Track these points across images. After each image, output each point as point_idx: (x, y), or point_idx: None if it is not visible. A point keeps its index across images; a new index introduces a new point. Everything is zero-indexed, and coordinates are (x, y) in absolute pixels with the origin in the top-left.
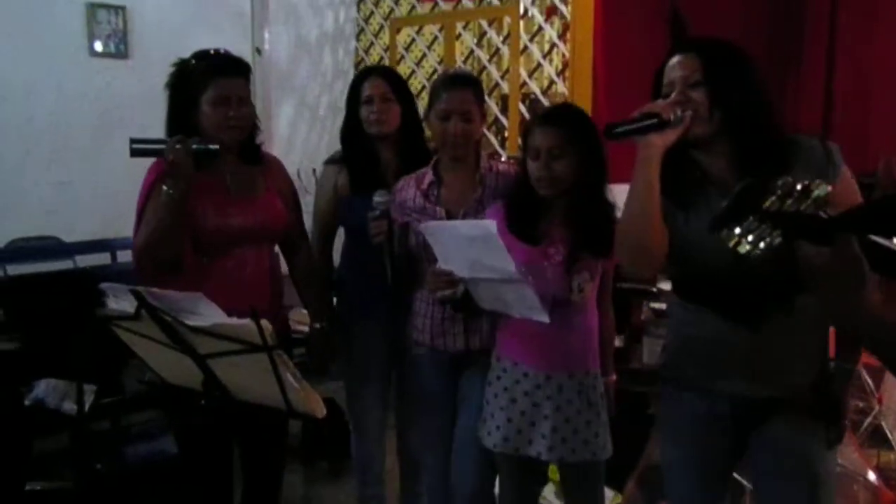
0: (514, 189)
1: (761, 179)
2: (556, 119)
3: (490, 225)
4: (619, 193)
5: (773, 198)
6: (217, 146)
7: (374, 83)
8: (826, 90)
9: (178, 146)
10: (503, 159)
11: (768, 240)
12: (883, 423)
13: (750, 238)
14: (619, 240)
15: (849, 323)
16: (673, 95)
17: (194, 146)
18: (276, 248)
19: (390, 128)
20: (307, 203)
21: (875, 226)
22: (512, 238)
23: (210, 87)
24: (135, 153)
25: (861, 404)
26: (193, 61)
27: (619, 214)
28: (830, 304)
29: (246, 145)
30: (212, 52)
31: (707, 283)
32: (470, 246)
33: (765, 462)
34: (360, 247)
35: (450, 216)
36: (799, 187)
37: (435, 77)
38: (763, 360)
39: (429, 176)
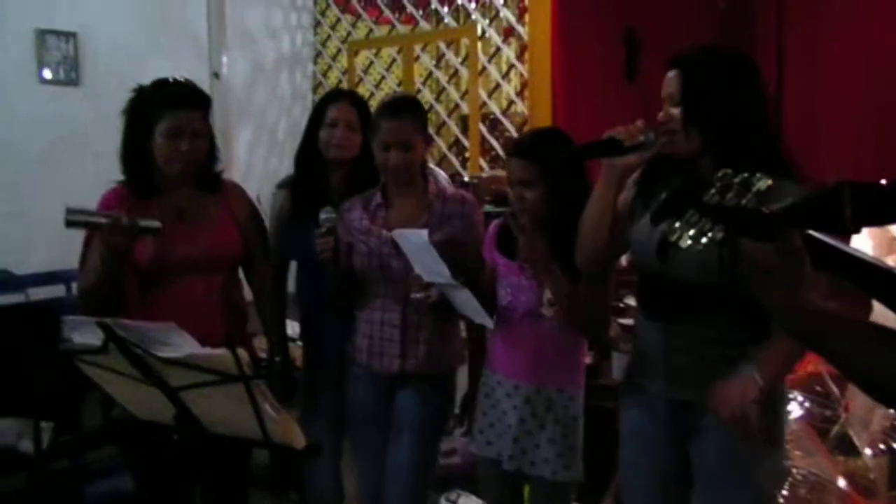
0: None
1: (698, 175)
2: (526, 151)
3: (422, 233)
4: None
5: (713, 191)
6: (159, 225)
7: (342, 107)
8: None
9: (122, 223)
10: (449, 186)
11: (710, 234)
12: (850, 431)
13: (691, 232)
14: (578, 248)
15: (789, 322)
16: (660, 115)
17: (139, 226)
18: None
19: (350, 155)
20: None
21: (814, 220)
22: (500, 256)
23: (165, 118)
24: (70, 224)
25: (828, 412)
26: (150, 90)
27: None
28: (771, 301)
29: (202, 174)
30: (171, 80)
31: (641, 277)
32: (419, 252)
33: (698, 469)
34: (307, 275)
35: (394, 241)
36: (737, 180)
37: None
38: (677, 361)
39: (377, 198)
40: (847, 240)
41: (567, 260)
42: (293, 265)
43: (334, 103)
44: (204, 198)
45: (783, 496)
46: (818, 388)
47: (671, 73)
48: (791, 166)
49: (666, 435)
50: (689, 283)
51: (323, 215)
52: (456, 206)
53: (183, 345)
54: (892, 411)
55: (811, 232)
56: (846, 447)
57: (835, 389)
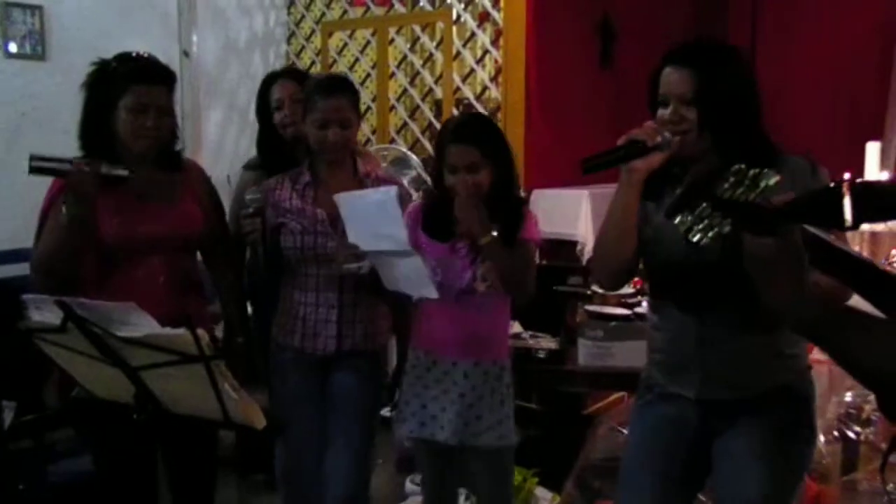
0: (428, 193)
1: (717, 167)
2: (470, 135)
3: (391, 189)
4: (563, 198)
5: (726, 185)
6: (126, 172)
7: (283, 85)
8: None
9: (85, 169)
10: (382, 166)
11: (717, 228)
12: None
13: (701, 225)
14: (596, 261)
15: (787, 314)
16: (667, 114)
17: (103, 171)
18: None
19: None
20: None
21: (814, 215)
22: (425, 237)
23: (129, 93)
24: (34, 171)
25: None
26: (114, 63)
27: (530, 207)
28: (771, 294)
29: (163, 152)
30: (135, 55)
31: (664, 273)
32: (374, 214)
33: (721, 459)
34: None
35: (331, 219)
36: (750, 174)
37: (367, 82)
38: (712, 360)
39: (305, 176)
40: (844, 236)
41: (500, 234)
42: None
43: (274, 84)
44: (165, 176)
45: None
46: None
47: (676, 71)
48: (778, 149)
49: (689, 441)
50: (723, 271)
51: (248, 196)
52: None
53: (142, 324)
54: (846, 399)
55: (805, 226)
56: None
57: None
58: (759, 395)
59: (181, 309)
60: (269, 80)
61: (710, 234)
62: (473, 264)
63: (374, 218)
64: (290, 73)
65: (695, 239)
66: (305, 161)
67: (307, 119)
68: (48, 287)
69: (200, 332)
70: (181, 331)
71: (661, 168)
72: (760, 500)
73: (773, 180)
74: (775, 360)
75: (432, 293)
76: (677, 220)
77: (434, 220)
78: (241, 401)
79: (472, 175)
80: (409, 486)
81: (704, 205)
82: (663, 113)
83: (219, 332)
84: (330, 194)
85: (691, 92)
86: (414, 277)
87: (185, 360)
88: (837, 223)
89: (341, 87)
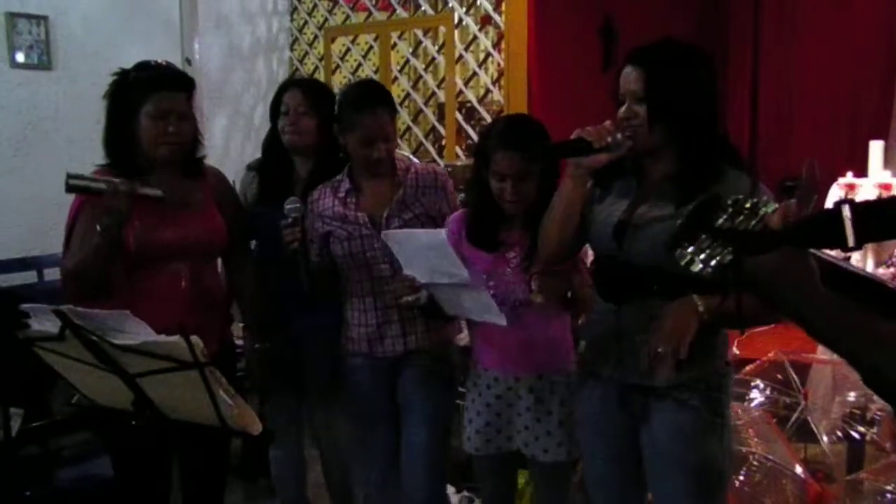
0: (474, 201)
1: (713, 197)
2: (519, 142)
3: (441, 233)
4: None
5: (725, 216)
6: (161, 193)
7: (292, 94)
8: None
9: (122, 189)
10: (415, 161)
11: (718, 258)
12: (809, 418)
13: (702, 257)
14: (541, 237)
15: (810, 318)
16: (621, 111)
17: (139, 192)
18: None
19: (304, 140)
20: None
21: (816, 238)
22: (470, 248)
23: (150, 101)
24: (71, 189)
25: (788, 400)
26: (134, 72)
27: None
28: (788, 302)
29: (186, 159)
30: (153, 63)
31: (596, 261)
32: (427, 253)
33: (648, 453)
34: (264, 257)
35: (372, 221)
36: (748, 205)
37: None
38: (628, 344)
39: (345, 183)
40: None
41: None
42: None
43: (285, 92)
44: (187, 183)
45: (740, 481)
46: (778, 376)
47: (631, 70)
48: (737, 155)
49: (620, 419)
50: (643, 267)
51: (288, 206)
52: (429, 178)
53: (138, 332)
54: (850, 398)
55: (814, 251)
56: (805, 434)
57: (795, 377)
58: (672, 385)
59: (202, 315)
60: (282, 88)
61: (713, 265)
62: (527, 273)
63: (428, 255)
64: (302, 84)
65: (696, 270)
66: (345, 168)
67: (348, 134)
68: (81, 294)
69: (194, 338)
70: (175, 338)
71: (615, 161)
72: (680, 484)
73: (771, 208)
74: (689, 354)
75: (501, 321)
76: (677, 252)
77: (479, 229)
78: (237, 407)
79: (522, 183)
80: None
81: (704, 236)
82: (620, 111)
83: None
84: (370, 199)
85: (642, 90)
86: (480, 306)
87: (180, 367)
88: (840, 244)
89: (378, 101)
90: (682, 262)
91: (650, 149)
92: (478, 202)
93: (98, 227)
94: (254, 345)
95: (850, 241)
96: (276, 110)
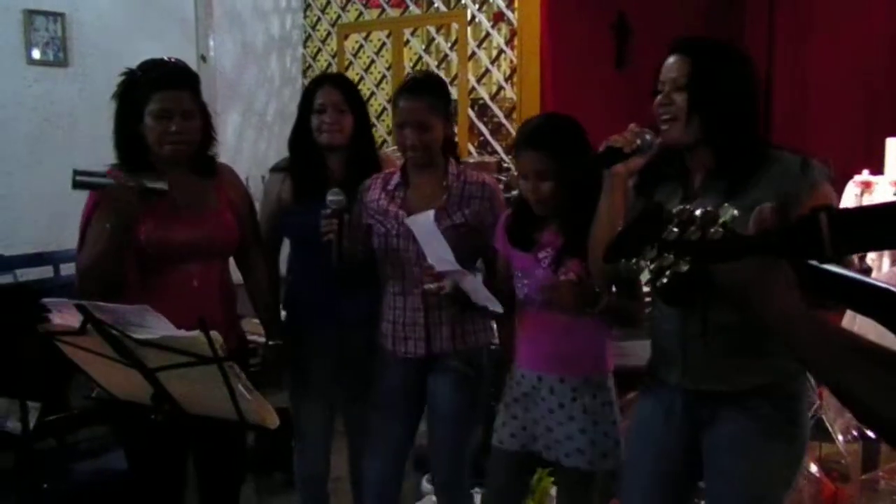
0: (514, 200)
1: (654, 208)
2: (541, 141)
3: (429, 214)
4: None
5: (672, 227)
6: (166, 186)
7: (328, 92)
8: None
9: (128, 183)
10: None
11: (672, 269)
12: (824, 417)
13: (651, 267)
14: (591, 259)
15: (789, 329)
16: (658, 98)
17: (144, 185)
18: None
19: (342, 139)
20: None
21: (792, 247)
22: (510, 247)
23: (152, 101)
24: (78, 185)
25: None
26: (139, 71)
27: None
28: (765, 311)
29: (198, 157)
30: (158, 61)
31: None
32: (429, 238)
33: (709, 458)
34: (306, 257)
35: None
36: (698, 213)
37: (383, 83)
38: (694, 352)
39: (396, 177)
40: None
41: (580, 245)
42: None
43: (320, 89)
44: (199, 182)
45: None
46: None
47: (675, 58)
48: (768, 157)
49: (678, 431)
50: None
51: (330, 196)
52: (476, 188)
53: (158, 327)
54: None
55: (810, 262)
56: (820, 433)
57: (809, 376)
58: (743, 391)
59: (219, 314)
60: (317, 84)
61: (667, 275)
62: (556, 273)
63: (430, 239)
64: (337, 80)
65: (646, 280)
66: (401, 164)
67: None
68: (95, 292)
69: (214, 334)
70: (195, 333)
71: (652, 165)
72: (741, 499)
73: (730, 216)
74: (758, 359)
75: (498, 308)
76: (620, 263)
77: (517, 229)
78: (255, 402)
79: (541, 182)
80: (425, 485)
81: (649, 248)
82: (657, 99)
83: (249, 326)
84: (417, 198)
85: (685, 77)
86: (479, 294)
87: (199, 362)
88: (815, 254)
89: (423, 89)
90: (627, 275)
91: (683, 142)
92: (515, 202)
93: (108, 226)
94: (268, 342)
95: (828, 251)
96: (306, 108)
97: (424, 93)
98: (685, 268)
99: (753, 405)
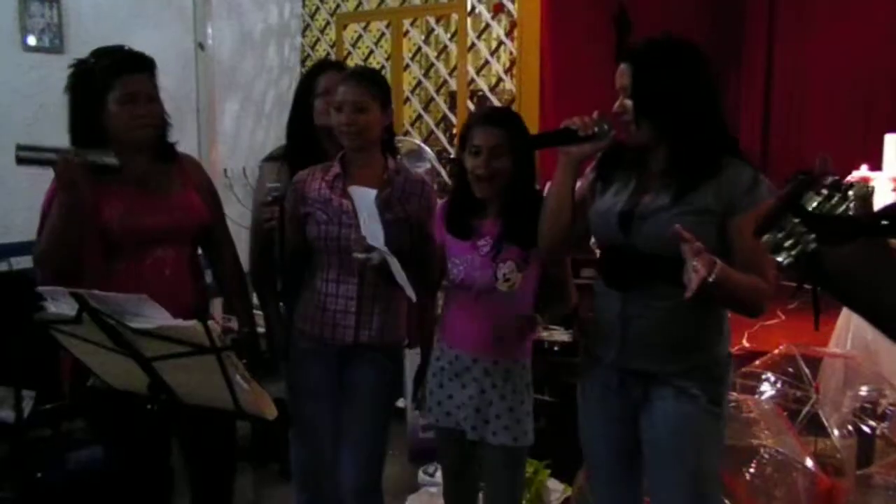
0: (452, 188)
1: (809, 178)
2: (498, 119)
3: (371, 192)
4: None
5: (819, 198)
6: (116, 161)
7: (331, 77)
8: (765, 90)
9: (73, 158)
10: (451, 157)
11: (801, 246)
12: (820, 412)
13: (789, 243)
14: (539, 232)
15: (877, 317)
16: (615, 105)
17: (89, 159)
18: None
19: None
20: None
21: None
22: (448, 235)
23: (115, 86)
24: (21, 161)
25: (799, 393)
26: (93, 60)
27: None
28: (870, 304)
29: (160, 143)
30: (111, 48)
31: (602, 250)
32: (368, 210)
33: (647, 441)
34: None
35: (354, 210)
36: (843, 186)
37: (382, 73)
38: (632, 329)
39: (335, 168)
40: None
41: (519, 229)
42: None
43: (325, 73)
44: (162, 168)
45: (750, 474)
46: (790, 370)
47: (623, 66)
48: (738, 147)
49: (620, 405)
50: (649, 255)
51: (269, 184)
52: (416, 186)
53: (155, 316)
54: (861, 393)
55: None
56: (816, 428)
57: (806, 371)
58: (667, 372)
59: (191, 300)
60: (319, 69)
61: (795, 253)
62: (494, 262)
63: (367, 214)
64: (338, 67)
65: (780, 258)
66: (338, 155)
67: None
68: (52, 281)
69: (212, 323)
70: (193, 322)
71: (616, 152)
72: (677, 474)
73: (863, 191)
74: (691, 342)
75: (412, 296)
76: (765, 238)
77: (455, 216)
78: (253, 391)
79: (494, 159)
80: (421, 476)
81: (795, 221)
82: (614, 106)
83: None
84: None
85: (629, 85)
86: (399, 276)
87: (196, 352)
88: None
89: (365, 76)
90: (769, 249)
91: (640, 143)
92: (455, 189)
93: (58, 206)
94: (242, 329)
95: None
96: (305, 93)
97: (366, 79)
98: (812, 246)
99: (684, 386)
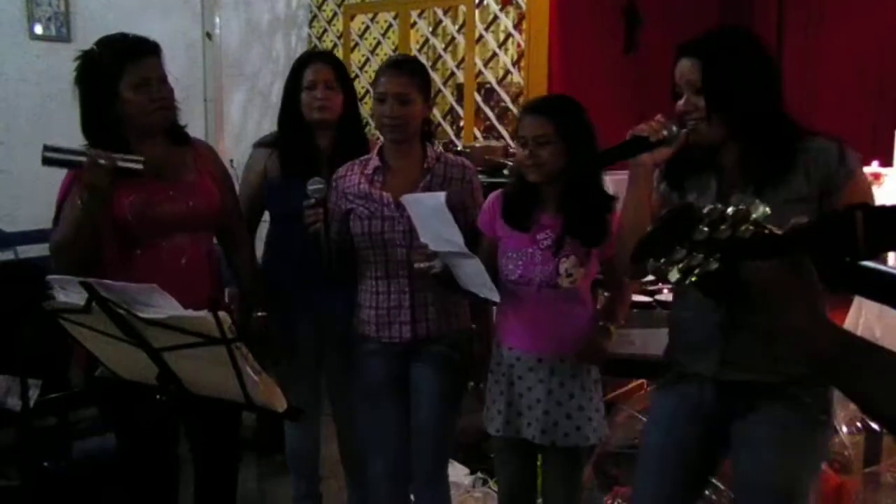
0: (511, 179)
1: (684, 208)
2: (543, 108)
3: (440, 196)
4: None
5: (702, 226)
6: (142, 163)
7: (318, 69)
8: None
9: (101, 162)
10: (458, 150)
11: (700, 268)
12: None
13: (679, 267)
14: (618, 252)
15: (809, 346)
16: (681, 104)
17: (119, 164)
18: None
19: (333, 115)
20: None
21: (825, 244)
22: (504, 227)
23: (127, 72)
24: (47, 162)
25: None
26: (99, 49)
27: (618, 205)
28: (786, 326)
29: (173, 126)
30: (116, 36)
31: None
32: (431, 217)
33: (743, 453)
34: (287, 234)
35: (396, 202)
36: (730, 211)
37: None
38: (730, 342)
39: (374, 161)
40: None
41: (582, 224)
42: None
43: (310, 65)
44: (176, 153)
45: None
46: None
47: (687, 62)
48: (804, 128)
49: (704, 423)
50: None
51: (311, 186)
52: (457, 171)
53: (165, 306)
54: None
55: (865, 263)
56: None
57: None
58: (777, 381)
59: (209, 289)
60: (305, 60)
61: (696, 274)
62: (556, 256)
63: (434, 220)
64: (326, 57)
65: (673, 279)
66: (376, 147)
67: (373, 97)
68: (67, 272)
69: (222, 314)
70: (203, 313)
71: (682, 157)
72: (778, 489)
73: (763, 213)
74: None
75: (494, 296)
76: (647, 264)
77: (514, 208)
78: (263, 383)
79: (540, 148)
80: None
81: (678, 248)
82: (679, 104)
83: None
84: (397, 180)
85: (699, 80)
86: (477, 279)
87: (207, 343)
88: (850, 252)
89: (406, 65)
90: (656, 274)
91: (711, 141)
92: (514, 180)
93: (79, 202)
94: (256, 313)
95: (862, 249)
96: (294, 84)
97: (408, 68)
98: (715, 266)
99: (786, 396)
